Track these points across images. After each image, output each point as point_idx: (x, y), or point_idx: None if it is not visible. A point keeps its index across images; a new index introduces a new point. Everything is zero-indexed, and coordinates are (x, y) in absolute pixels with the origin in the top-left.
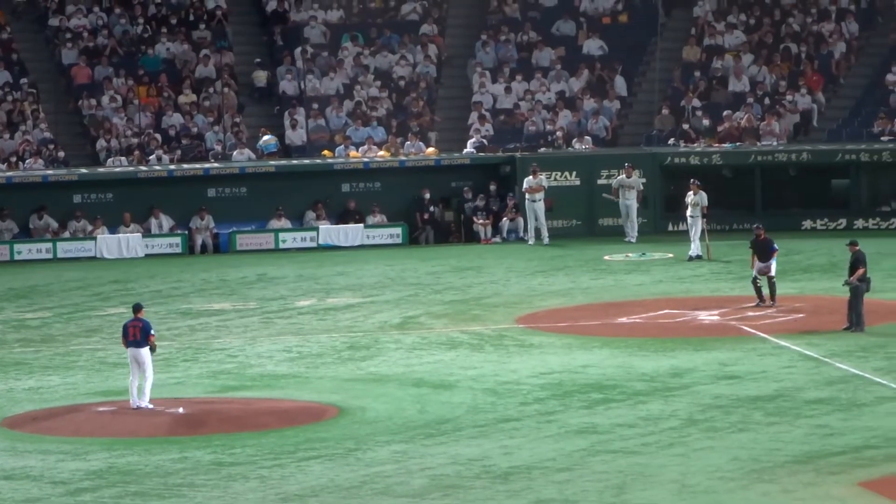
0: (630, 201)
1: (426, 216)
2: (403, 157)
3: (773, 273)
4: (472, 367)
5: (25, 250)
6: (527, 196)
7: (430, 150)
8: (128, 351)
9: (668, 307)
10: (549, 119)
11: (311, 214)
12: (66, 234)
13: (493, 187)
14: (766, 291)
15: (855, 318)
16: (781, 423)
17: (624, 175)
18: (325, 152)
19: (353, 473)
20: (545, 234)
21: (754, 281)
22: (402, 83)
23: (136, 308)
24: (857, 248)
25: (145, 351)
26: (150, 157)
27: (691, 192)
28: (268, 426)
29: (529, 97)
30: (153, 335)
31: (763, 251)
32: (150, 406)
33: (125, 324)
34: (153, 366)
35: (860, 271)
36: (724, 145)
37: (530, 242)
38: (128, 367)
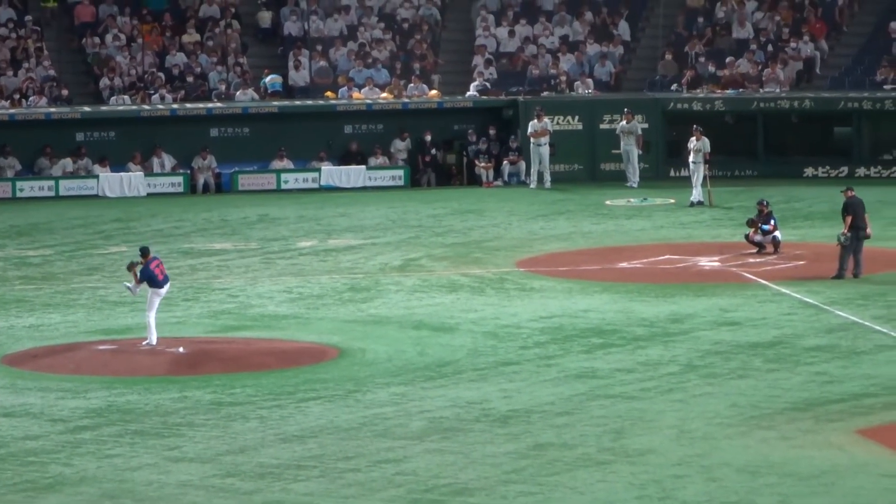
0: (630, 146)
1: (427, 159)
2: (406, 100)
3: (776, 236)
4: (472, 310)
5: (28, 188)
6: (532, 140)
7: (433, 92)
8: (154, 290)
9: (669, 252)
10: (552, 63)
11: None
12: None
13: (492, 131)
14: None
15: (855, 266)
16: (781, 369)
17: (624, 121)
18: (328, 94)
19: (353, 415)
20: (547, 178)
21: (748, 237)
22: (405, 25)
23: (145, 252)
24: (853, 194)
25: (166, 287)
26: (154, 96)
27: (693, 138)
28: (268, 367)
29: (533, 41)
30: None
31: (765, 223)
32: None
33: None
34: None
35: (849, 220)
36: (726, 91)
37: (532, 186)
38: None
